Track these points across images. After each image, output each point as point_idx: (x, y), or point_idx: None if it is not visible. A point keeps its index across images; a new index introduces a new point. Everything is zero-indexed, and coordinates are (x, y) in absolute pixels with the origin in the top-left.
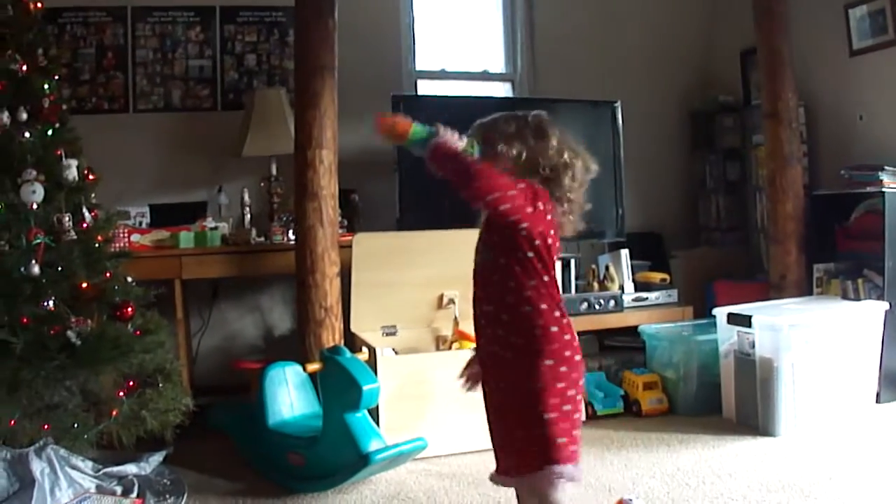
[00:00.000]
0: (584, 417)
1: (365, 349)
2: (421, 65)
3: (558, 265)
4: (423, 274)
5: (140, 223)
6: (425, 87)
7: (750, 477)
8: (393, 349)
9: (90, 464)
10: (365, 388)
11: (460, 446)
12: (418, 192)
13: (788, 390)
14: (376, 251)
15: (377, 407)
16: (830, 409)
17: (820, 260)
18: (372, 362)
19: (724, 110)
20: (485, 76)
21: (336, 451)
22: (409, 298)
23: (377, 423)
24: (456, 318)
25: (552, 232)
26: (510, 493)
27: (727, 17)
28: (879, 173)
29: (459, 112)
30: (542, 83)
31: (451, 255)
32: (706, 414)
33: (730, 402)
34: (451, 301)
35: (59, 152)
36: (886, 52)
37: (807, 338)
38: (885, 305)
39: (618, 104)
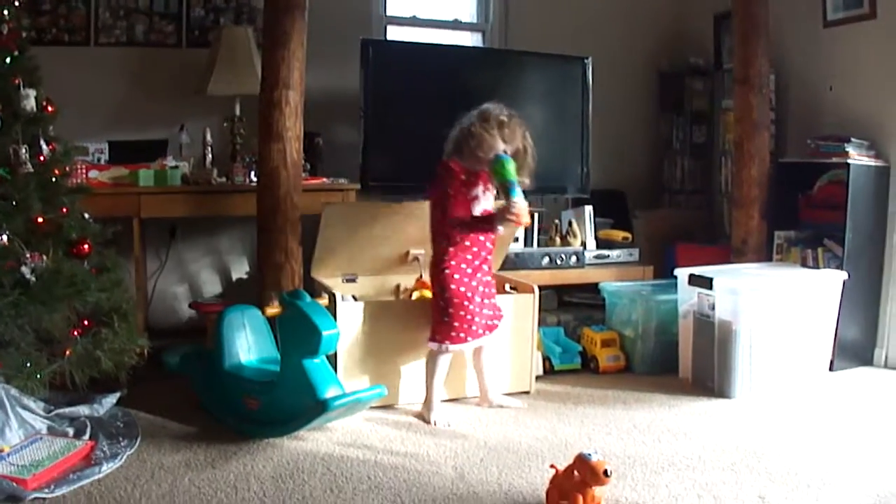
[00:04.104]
0: (541, 371)
1: (325, 294)
2: (391, 10)
3: None
4: (392, 236)
5: (98, 159)
6: (395, 33)
7: (704, 437)
8: (353, 296)
9: (42, 404)
10: (324, 333)
11: (418, 396)
12: (383, 137)
13: (745, 353)
14: (345, 217)
15: (335, 353)
16: (785, 375)
17: (781, 227)
18: (332, 308)
19: (694, 73)
20: (456, 25)
21: (293, 397)
22: (373, 253)
23: (335, 370)
24: (421, 273)
25: None
26: (467, 442)
27: None
28: (845, 145)
29: (428, 60)
30: (514, 35)
31: (421, 223)
32: (663, 373)
33: (686, 363)
34: (417, 258)
35: (16, 81)
36: (860, 25)
37: (766, 303)
38: (843, 275)
39: (588, 60)
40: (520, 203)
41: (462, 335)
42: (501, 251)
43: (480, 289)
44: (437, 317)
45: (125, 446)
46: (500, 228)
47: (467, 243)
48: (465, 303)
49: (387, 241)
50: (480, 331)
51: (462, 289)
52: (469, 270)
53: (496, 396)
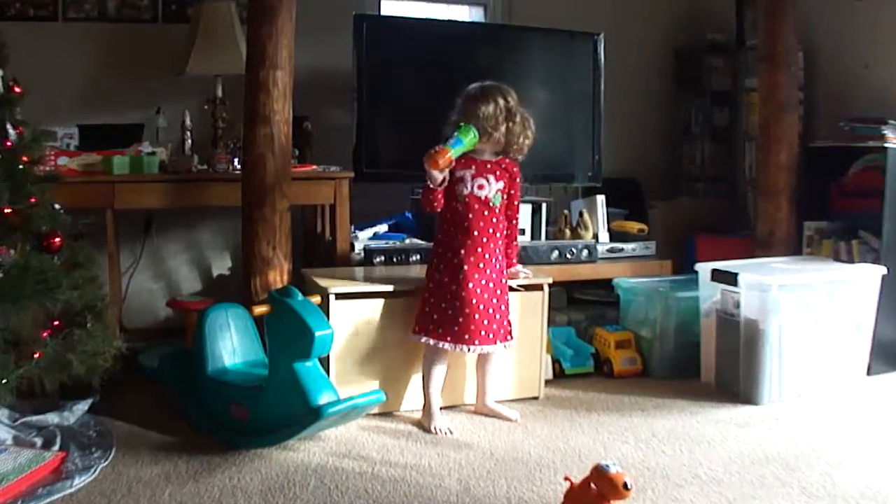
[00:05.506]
0: (551, 375)
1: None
2: None
3: (527, 208)
4: None
5: (67, 145)
6: (390, 8)
7: (730, 447)
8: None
9: (6, 412)
10: (317, 334)
11: (419, 402)
12: (378, 121)
13: (774, 355)
14: None
15: (329, 356)
16: (817, 379)
17: (811, 217)
18: (325, 306)
19: (714, 49)
20: None
21: (283, 404)
22: None
23: (329, 374)
24: None
25: None
26: (472, 453)
27: None
28: (882, 127)
29: (426, 37)
30: (518, 9)
31: None
32: (683, 377)
33: (709, 366)
34: None
35: None
36: None
37: (796, 300)
38: (881, 270)
39: (600, 37)
40: (438, 148)
41: (440, 331)
42: None
43: (470, 285)
44: (419, 306)
45: (99, 458)
46: (433, 175)
47: (460, 236)
48: (449, 296)
49: None
50: (467, 336)
51: (438, 276)
52: (455, 261)
53: (491, 403)
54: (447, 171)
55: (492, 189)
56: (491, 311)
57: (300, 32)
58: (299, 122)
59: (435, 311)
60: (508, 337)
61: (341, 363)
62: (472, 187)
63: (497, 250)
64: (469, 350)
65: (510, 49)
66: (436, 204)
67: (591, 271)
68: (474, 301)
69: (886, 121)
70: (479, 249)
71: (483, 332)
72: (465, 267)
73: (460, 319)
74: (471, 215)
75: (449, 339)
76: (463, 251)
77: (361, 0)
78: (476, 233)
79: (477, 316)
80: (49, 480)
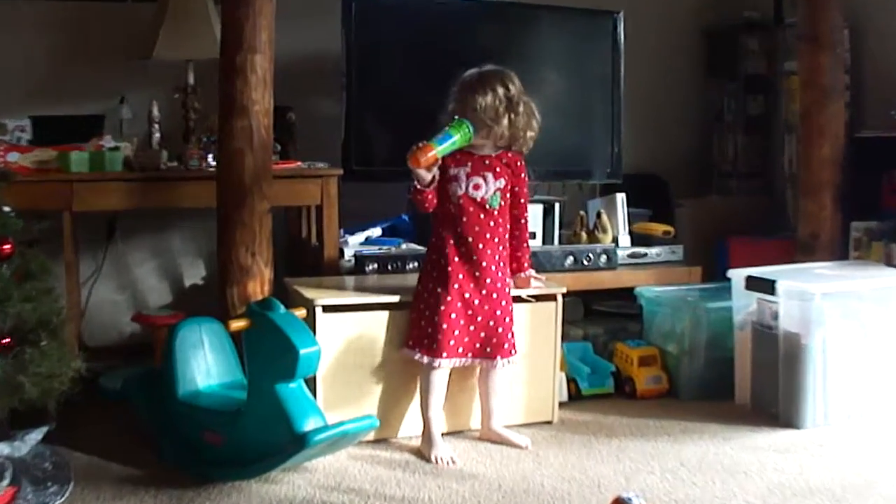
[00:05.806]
0: (566, 397)
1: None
2: None
3: (538, 209)
4: None
5: (19, 139)
6: None
7: (769, 477)
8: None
9: None
10: (302, 352)
11: (417, 427)
12: (370, 111)
13: (817, 373)
14: None
15: (315, 376)
16: (867, 399)
17: (860, 217)
18: (310, 320)
19: (749, 28)
20: None
21: (264, 431)
22: None
23: (315, 397)
24: None
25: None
26: (477, 484)
27: None
28: None
29: (424, 16)
30: None
31: None
32: (715, 398)
33: (744, 385)
34: None
35: None
36: None
37: (843, 310)
38: None
39: (620, 15)
40: (421, 144)
41: (435, 345)
42: None
43: (466, 295)
44: (413, 318)
45: (55, 493)
46: (417, 174)
47: (452, 241)
48: (439, 306)
49: None
50: (461, 349)
51: (431, 285)
52: (449, 269)
53: (498, 428)
54: (436, 169)
55: (489, 189)
56: (492, 322)
57: (282, 12)
58: (281, 112)
59: (429, 324)
60: (512, 351)
61: (329, 384)
62: (467, 187)
63: (497, 256)
64: (461, 363)
65: (518, 29)
66: (426, 205)
67: (611, 279)
68: (470, 312)
69: None
70: (475, 257)
71: (478, 345)
72: (460, 276)
73: (456, 332)
74: (465, 219)
75: (445, 354)
76: (456, 258)
77: None
78: (470, 239)
79: (472, 328)
80: None
